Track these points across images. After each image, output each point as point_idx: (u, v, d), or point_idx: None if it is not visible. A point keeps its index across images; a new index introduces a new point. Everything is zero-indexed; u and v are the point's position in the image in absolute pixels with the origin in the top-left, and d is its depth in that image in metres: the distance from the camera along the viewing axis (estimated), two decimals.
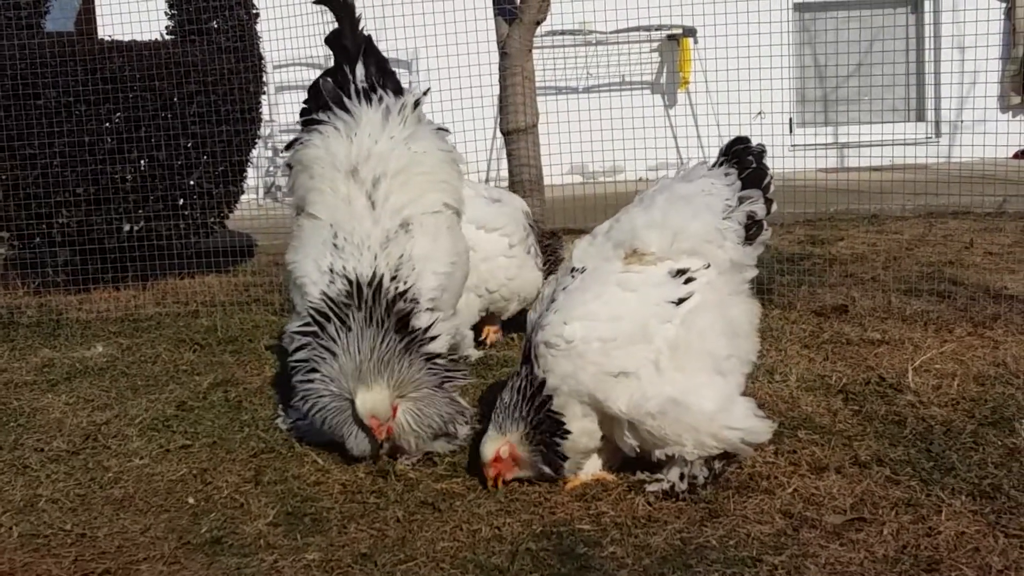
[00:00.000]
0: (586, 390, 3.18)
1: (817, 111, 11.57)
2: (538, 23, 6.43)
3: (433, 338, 3.57)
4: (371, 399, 3.46)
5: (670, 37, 11.45)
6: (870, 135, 9.72)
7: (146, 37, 6.83)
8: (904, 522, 3.00)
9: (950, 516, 3.01)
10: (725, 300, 3.30)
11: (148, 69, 6.32)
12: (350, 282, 3.55)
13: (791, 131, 10.92)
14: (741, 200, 3.35)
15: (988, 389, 4.04)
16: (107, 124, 6.33)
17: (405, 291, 3.56)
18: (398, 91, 3.95)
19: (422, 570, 2.88)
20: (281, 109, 9.95)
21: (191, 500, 3.43)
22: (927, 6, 11.68)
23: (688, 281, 3.25)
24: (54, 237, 6.48)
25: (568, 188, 7.55)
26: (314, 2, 4.20)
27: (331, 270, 3.60)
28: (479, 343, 4.98)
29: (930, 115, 11.71)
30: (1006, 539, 2.87)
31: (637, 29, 10.91)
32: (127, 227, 6.56)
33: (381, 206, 3.72)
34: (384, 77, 3.98)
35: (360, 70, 3.94)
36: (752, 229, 3.35)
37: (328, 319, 3.54)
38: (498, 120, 6.90)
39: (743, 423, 3.18)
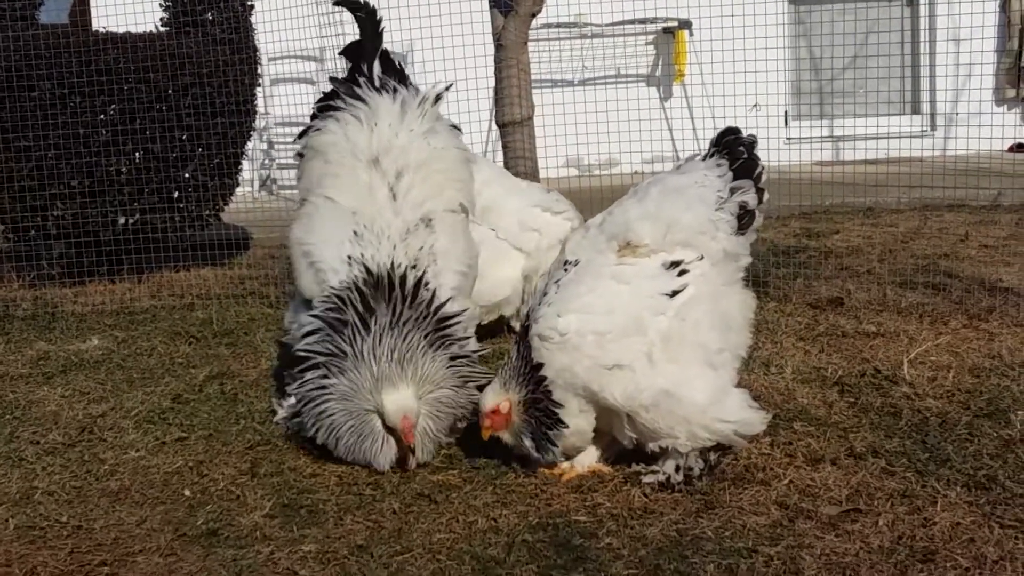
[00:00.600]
0: (581, 382, 3.18)
1: (813, 104, 11.57)
2: (533, 15, 6.40)
3: (463, 338, 3.53)
4: (400, 399, 3.38)
5: (665, 30, 11.45)
6: (865, 128, 9.73)
7: (141, 29, 6.81)
8: (899, 513, 3.01)
9: (945, 507, 3.01)
10: (719, 291, 3.31)
11: (143, 61, 6.31)
12: (369, 272, 3.49)
13: (786, 124, 10.96)
14: (733, 191, 3.35)
15: (983, 381, 4.05)
16: (102, 116, 6.32)
17: (427, 281, 3.51)
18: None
19: (418, 562, 2.89)
20: (276, 101, 9.92)
21: (187, 492, 3.43)
22: None
23: (682, 273, 3.25)
24: (49, 230, 6.47)
25: (564, 181, 7.55)
26: (335, 3, 4.16)
27: (350, 257, 3.55)
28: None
29: (925, 108, 11.71)
30: (1001, 530, 2.88)
31: (632, 22, 10.91)
32: (122, 220, 6.55)
33: (403, 198, 3.68)
34: (401, 76, 3.97)
35: (377, 66, 3.93)
36: (744, 219, 3.35)
37: (347, 306, 3.45)
38: (494, 113, 6.89)
39: (736, 415, 3.18)
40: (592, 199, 5.85)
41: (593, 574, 2.78)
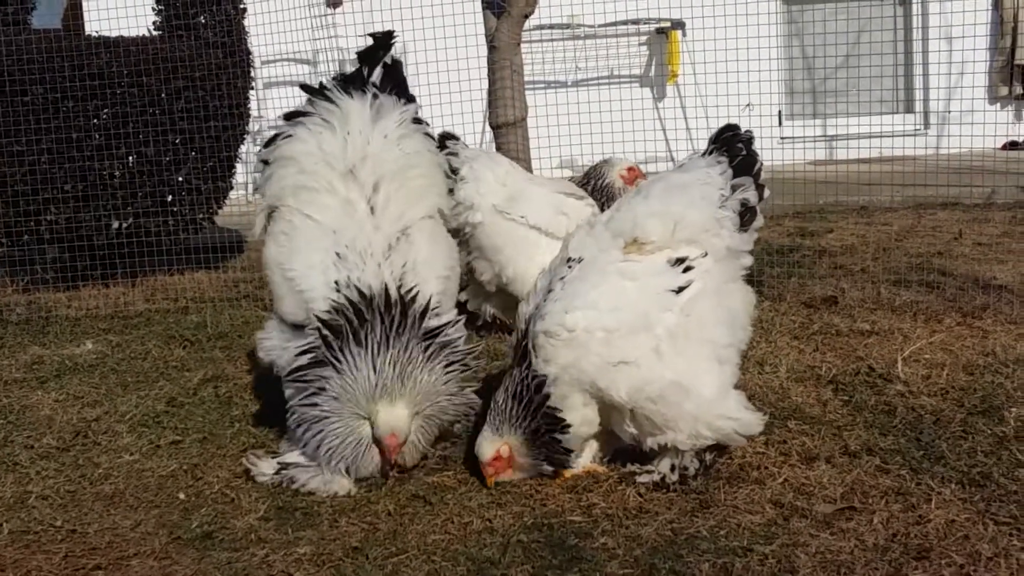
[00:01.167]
0: (588, 379, 3.17)
1: (806, 103, 11.59)
2: (526, 17, 6.40)
3: (455, 339, 3.50)
4: (395, 416, 3.35)
5: (659, 30, 11.47)
6: (859, 127, 9.74)
7: (133, 33, 6.81)
8: (894, 511, 3.01)
9: (940, 504, 3.02)
10: (722, 288, 3.31)
11: (135, 65, 6.30)
12: (362, 294, 3.39)
13: (780, 123, 10.96)
14: (734, 188, 3.36)
15: (977, 378, 4.05)
16: (95, 120, 6.31)
17: (414, 296, 3.45)
18: (410, 101, 3.91)
19: (413, 563, 2.88)
20: (269, 104, 9.90)
21: (182, 495, 3.42)
22: None
23: (687, 270, 3.25)
24: (42, 234, 6.46)
25: None
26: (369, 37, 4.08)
27: (336, 282, 3.43)
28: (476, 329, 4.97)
29: (918, 107, 11.75)
30: (995, 527, 2.88)
31: (625, 23, 10.93)
32: (116, 224, 6.54)
33: (381, 212, 3.61)
34: (398, 87, 3.90)
35: (378, 72, 3.85)
36: (746, 216, 3.36)
37: (338, 334, 3.37)
38: (487, 114, 6.89)
39: (737, 413, 3.19)
40: None
41: (588, 574, 2.78)
